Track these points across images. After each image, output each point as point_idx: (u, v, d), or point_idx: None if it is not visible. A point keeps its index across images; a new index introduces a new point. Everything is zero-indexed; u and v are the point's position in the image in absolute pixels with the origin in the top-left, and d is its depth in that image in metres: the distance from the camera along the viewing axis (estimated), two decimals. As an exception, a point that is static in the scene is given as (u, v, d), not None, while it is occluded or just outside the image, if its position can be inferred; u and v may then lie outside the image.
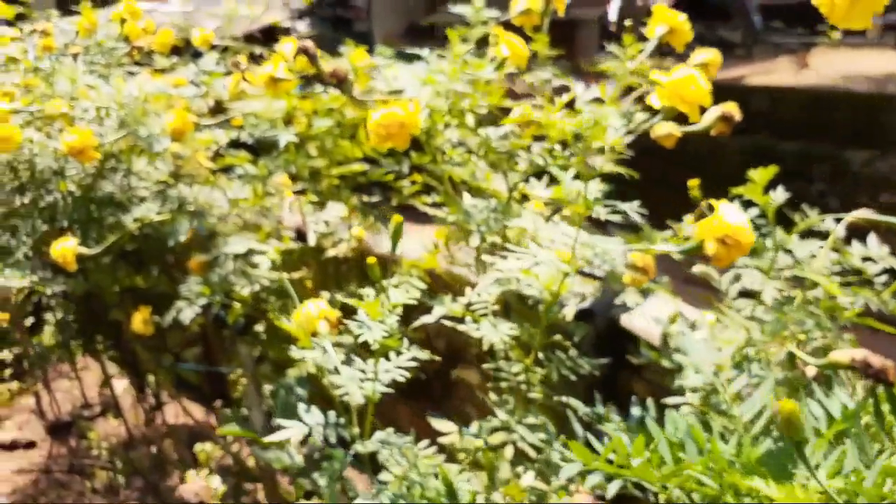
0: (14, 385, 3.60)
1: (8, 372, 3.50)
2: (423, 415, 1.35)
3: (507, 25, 1.46)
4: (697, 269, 1.24)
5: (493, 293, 1.08)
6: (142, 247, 2.25)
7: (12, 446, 3.32)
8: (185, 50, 2.46)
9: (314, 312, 1.17)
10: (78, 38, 2.45)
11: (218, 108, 2.10)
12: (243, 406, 1.99)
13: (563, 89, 1.41)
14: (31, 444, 3.34)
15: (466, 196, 1.42)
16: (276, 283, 1.60)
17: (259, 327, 1.91)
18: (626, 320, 1.43)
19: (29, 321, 2.79)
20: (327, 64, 1.42)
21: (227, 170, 1.97)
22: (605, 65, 1.37)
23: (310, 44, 1.30)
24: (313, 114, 1.79)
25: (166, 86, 2.06)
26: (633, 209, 1.11)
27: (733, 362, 0.93)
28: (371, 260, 1.06)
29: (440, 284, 1.81)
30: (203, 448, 2.99)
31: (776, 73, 4.77)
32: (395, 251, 1.00)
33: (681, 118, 1.03)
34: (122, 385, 3.20)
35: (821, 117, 4.13)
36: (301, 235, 1.49)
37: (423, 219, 1.96)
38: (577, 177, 1.09)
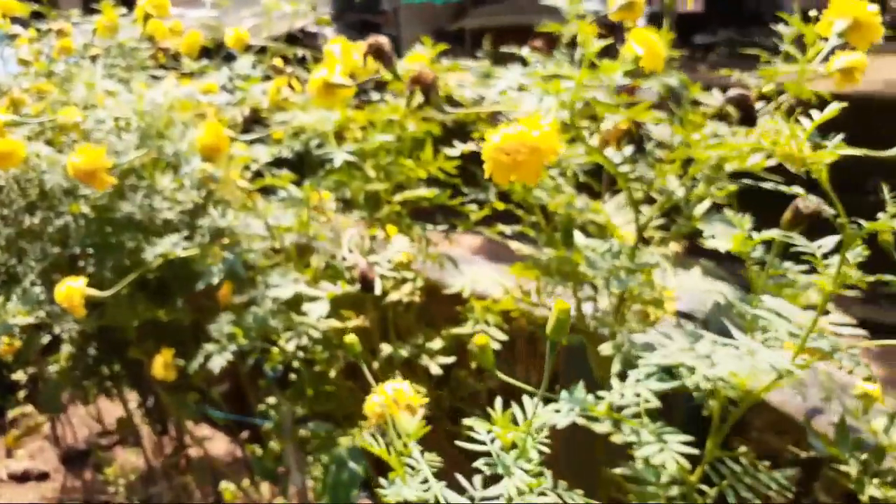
0: (28, 408, 3.31)
1: (22, 394, 3.21)
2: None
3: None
4: None
5: (651, 387, 0.76)
6: (164, 275, 1.95)
7: (24, 477, 3.04)
8: (216, 53, 2.17)
9: (392, 396, 0.86)
10: (97, 39, 2.16)
11: (254, 118, 1.80)
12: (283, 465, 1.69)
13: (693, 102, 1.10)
14: (43, 476, 3.05)
15: (578, 234, 1.10)
16: (328, 334, 1.30)
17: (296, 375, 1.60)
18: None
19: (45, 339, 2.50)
20: (405, 67, 1.12)
21: (263, 191, 1.67)
22: (764, 69, 1.04)
23: (385, 41, 0.99)
24: (369, 126, 1.49)
25: (195, 92, 1.77)
26: None
27: None
28: (349, 339, 0.76)
29: (517, 331, 1.50)
30: (228, 487, 2.69)
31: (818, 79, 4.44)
32: (555, 342, 0.68)
33: None
34: (141, 411, 2.90)
35: (869, 124, 3.81)
36: (367, 283, 1.19)
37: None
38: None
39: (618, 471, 0.89)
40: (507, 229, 1.44)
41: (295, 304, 1.43)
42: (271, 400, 1.62)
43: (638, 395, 0.77)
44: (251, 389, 2.27)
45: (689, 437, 0.77)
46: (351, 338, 0.79)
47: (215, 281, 1.29)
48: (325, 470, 1.35)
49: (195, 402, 2.12)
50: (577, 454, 1.26)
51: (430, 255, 1.42)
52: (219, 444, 3.18)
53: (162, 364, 1.65)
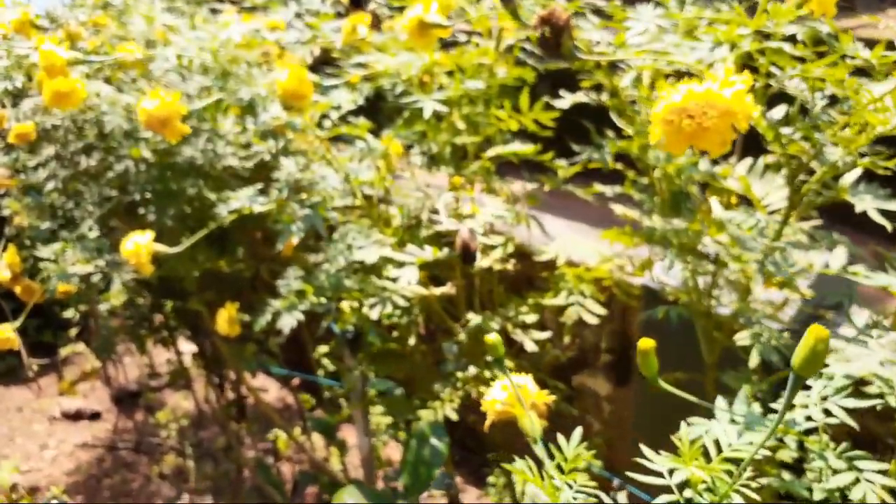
0: (80, 346, 3.28)
1: (73, 331, 3.16)
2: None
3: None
4: None
5: (844, 405, 0.62)
6: (226, 223, 1.84)
7: (77, 416, 3.02)
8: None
9: (515, 393, 0.73)
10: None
11: (325, 59, 1.64)
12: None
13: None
14: (96, 415, 3.04)
15: (715, 203, 0.95)
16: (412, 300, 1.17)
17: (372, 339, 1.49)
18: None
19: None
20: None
21: (333, 139, 1.53)
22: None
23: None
24: (457, 71, 1.33)
25: (261, 28, 1.62)
26: None
27: None
28: (491, 340, 0.62)
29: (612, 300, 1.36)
30: (280, 435, 2.63)
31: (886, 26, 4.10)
32: (799, 377, 0.53)
33: None
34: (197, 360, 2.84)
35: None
36: (468, 253, 1.05)
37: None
38: None
39: (773, 482, 0.76)
40: (608, 190, 1.29)
41: (373, 266, 1.30)
42: (344, 363, 1.50)
43: (827, 413, 0.64)
44: (310, 342, 2.18)
45: (883, 465, 0.63)
46: (494, 338, 0.66)
47: (295, 240, 1.17)
48: (405, 446, 1.25)
49: (253, 354, 2.03)
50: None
51: (520, 216, 1.27)
52: (271, 392, 3.13)
53: (227, 319, 1.55)
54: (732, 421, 0.65)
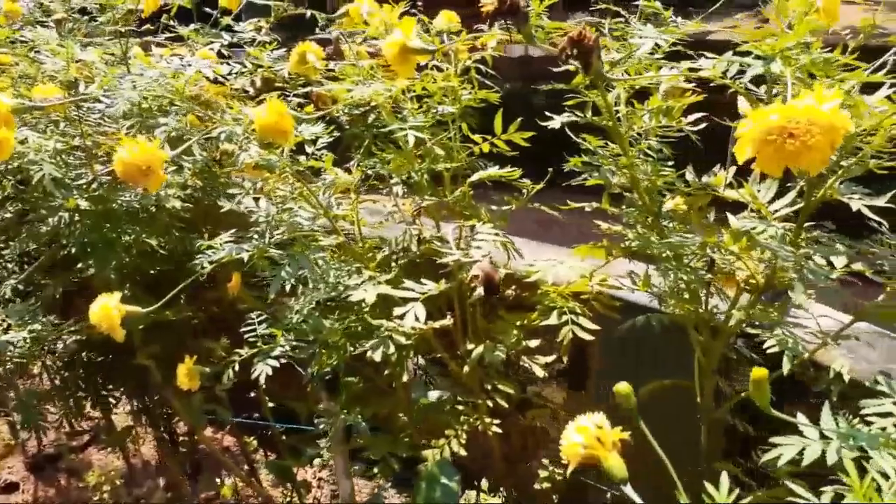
0: (-18, 413, 2.95)
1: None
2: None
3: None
4: None
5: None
6: (163, 268, 1.69)
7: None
8: (198, 15, 1.87)
9: (594, 434, 0.69)
10: (56, 2, 1.83)
11: (269, 89, 1.55)
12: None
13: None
14: (12, 486, 2.73)
15: (730, 216, 0.94)
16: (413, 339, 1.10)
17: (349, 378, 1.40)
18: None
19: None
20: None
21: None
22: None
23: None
24: (427, 97, 1.28)
25: (199, 62, 1.49)
26: None
27: None
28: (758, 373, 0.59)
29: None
30: (226, 483, 2.46)
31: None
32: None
33: None
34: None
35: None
36: (492, 285, 0.99)
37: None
38: None
39: None
40: (586, 205, 1.28)
41: (350, 304, 1.23)
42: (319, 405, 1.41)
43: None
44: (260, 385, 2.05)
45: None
46: (624, 387, 0.61)
47: (288, 287, 1.07)
48: (416, 489, 1.17)
49: (201, 403, 1.88)
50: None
51: (500, 240, 1.24)
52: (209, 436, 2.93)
53: (185, 373, 1.41)
54: (823, 436, 0.64)
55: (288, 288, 1.06)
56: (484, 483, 1.64)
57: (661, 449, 0.70)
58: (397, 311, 1.02)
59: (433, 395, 1.44)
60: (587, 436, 0.69)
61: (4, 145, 1.16)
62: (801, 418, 0.67)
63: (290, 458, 1.84)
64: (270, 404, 2.08)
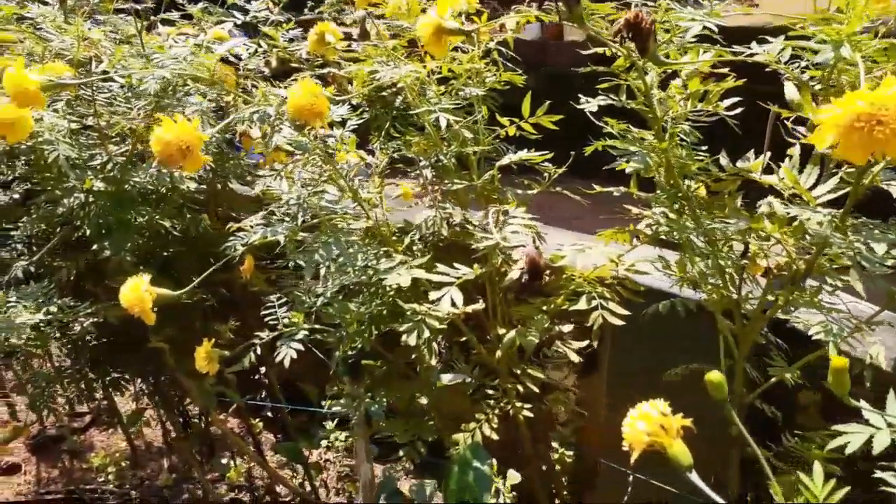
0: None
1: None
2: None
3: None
4: None
5: None
6: (177, 250, 1.65)
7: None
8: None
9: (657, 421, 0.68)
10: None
11: (284, 70, 1.51)
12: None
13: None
14: (14, 468, 2.70)
15: (775, 202, 0.92)
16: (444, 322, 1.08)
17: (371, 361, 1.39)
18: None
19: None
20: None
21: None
22: None
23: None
24: (452, 79, 1.25)
25: (212, 42, 1.45)
26: None
27: None
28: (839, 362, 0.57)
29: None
30: (230, 464, 2.44)
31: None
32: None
33: None
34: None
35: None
36: (536, 271, 0.97)
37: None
38: None
39: None
40: (614, 189, 1.26)
41: (375, 285, 1.20)
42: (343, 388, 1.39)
43: None
44: (270, 366, 2.03)
45: None
46: (715, 376, 0.60)
47: (322, 270, 1.05)
48: (448, 473, 1.16)
49: (212, 385, 1.86)
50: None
51: (529, 225, 1.22)
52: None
53: (204, 356, 1.39)
54: (890, 426, 0.63)
55: (322, 272, 1.03)
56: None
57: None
58: (433, 294, 1.00)
59: (446, 377, 1.43)
60: (651, 423, 0.68)
61: (22, 125, 1.12)
62: (863, 403, 0.66)
63: (302, 439, 1.83)
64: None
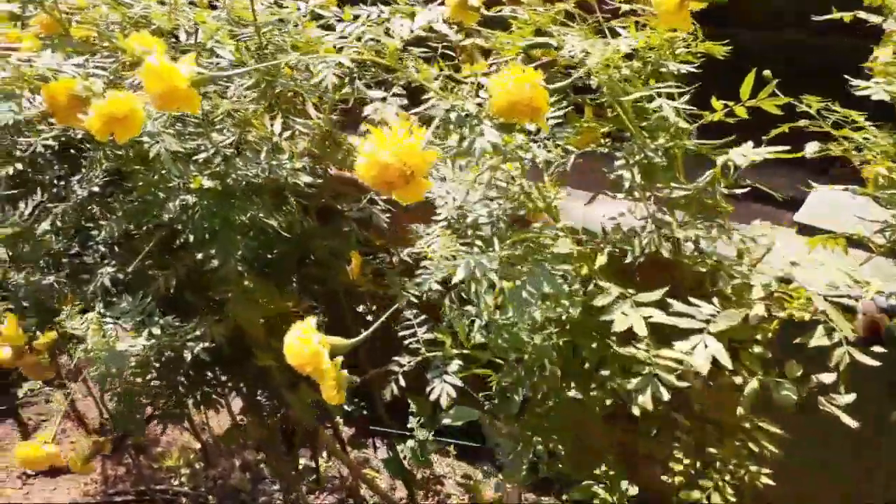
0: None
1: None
2: None
3: None
4: None
5: None
6: (282, 250, 1.43)
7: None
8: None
9: None
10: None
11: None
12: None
13: None
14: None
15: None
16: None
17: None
18: None
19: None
20: None
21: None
22: None
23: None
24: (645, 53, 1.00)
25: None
26: None
27: None
28: None
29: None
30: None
31: None
32: None
33: None
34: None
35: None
36: (877, 334, 0.73)
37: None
38: None
39: None
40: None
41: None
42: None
43: None
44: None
45: None
46: None
47: (535, 312, 0.82)
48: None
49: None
50: None
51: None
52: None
53: (333, 384, 1.17)
54: None
55: (534, 312, 0.80)
56: None
57: None
58: (679, 344, 0.77)
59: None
60: None
61: (133, 119, 0.90)
62: None
63: (413, 457, 1.63)
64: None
